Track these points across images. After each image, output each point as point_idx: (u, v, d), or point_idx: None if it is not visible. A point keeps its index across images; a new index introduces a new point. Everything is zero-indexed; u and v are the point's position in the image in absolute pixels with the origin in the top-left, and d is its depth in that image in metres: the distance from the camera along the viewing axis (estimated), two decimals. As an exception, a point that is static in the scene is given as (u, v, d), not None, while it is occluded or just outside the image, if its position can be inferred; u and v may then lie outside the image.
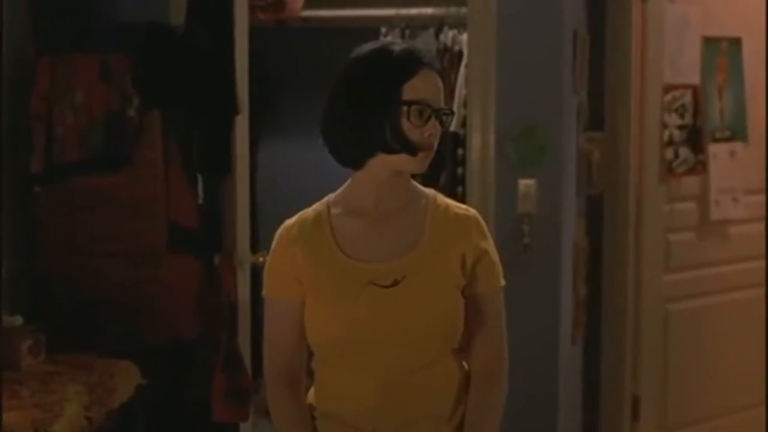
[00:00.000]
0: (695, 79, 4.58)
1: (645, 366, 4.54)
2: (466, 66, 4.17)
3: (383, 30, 4.64)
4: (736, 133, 4.73)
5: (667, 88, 4.49)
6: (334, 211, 2.25)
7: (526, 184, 3.87)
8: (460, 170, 4.26)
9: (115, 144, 3.66)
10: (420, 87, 2.12)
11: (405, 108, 2.11)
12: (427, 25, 4.60)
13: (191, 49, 3.72)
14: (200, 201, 3.76)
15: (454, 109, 4.31)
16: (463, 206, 2.31)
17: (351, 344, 2.17)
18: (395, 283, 2.16)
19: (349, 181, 2.27)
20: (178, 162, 3.69)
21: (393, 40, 2.17)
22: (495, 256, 2.27)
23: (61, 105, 3.66)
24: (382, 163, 2.17)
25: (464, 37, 4.28)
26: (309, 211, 2.28)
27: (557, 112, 3.84)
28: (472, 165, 3.91)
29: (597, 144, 4.31)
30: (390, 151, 2.14)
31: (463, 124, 4.16)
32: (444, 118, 2.17)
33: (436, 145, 2.17)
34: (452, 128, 4.18)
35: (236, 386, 3.71)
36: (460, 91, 4.33)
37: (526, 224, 3.85)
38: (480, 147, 3.89)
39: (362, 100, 2.13)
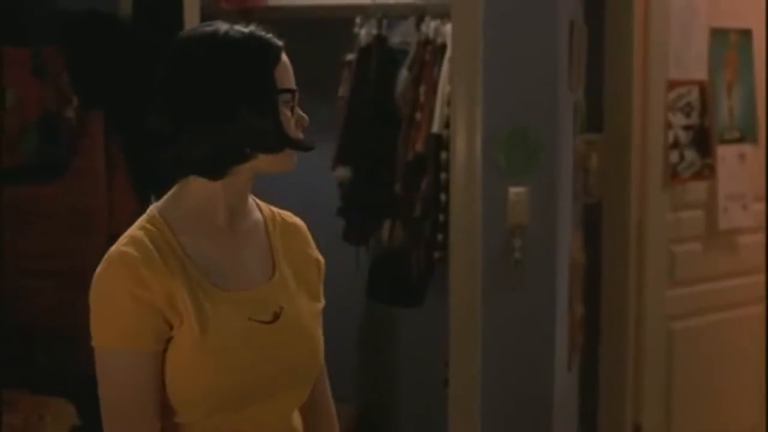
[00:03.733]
0: (702, 74, 4.50)
1: (647, 391, 4.44)
2: (450, 60, 4.01)
3: (358, 20, 4.49)
4: (746, 133, 4.68)
5: (672, 85, 4.41)
6: (178, 232, 1.87)
7: (516, 192, 3.73)
8: (443, 176, 4.12)
9: (51, 149, 3.53)
10: (285, 72, 1.90)
11: (281, 98, 1.88)
12: (406, 14, 4.48)
13: (137, 41, 3.57)
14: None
15: (437, 108, 4.16)
16: (285, 211, 2.09)
17: (227, 400, 1.83)
18: (276, 317, 1.91)
19: (175, 191, 1.92)
20: (122, 170, 3.57)
21: (221, 21, 1.88)
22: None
23: (-11, 106, 3.55)
24: (246, 168, 1.88)
25: (448, 28, 4.12)
26: (140, 234, 1.85)
27: (551, 112, 3.73)
28: (457, 170, 3.78)
29: (595, 147, 4.25)
30: (273, 150, 1.87)
31: (447, 124, 4.02)
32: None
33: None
34: (435, 129, 4.07)
35: None
36: (443, 88, 4.17)
37: (517, 237, 3.73)
38: (465, 150, 3.75)
39: (234, 93, 1.83)
